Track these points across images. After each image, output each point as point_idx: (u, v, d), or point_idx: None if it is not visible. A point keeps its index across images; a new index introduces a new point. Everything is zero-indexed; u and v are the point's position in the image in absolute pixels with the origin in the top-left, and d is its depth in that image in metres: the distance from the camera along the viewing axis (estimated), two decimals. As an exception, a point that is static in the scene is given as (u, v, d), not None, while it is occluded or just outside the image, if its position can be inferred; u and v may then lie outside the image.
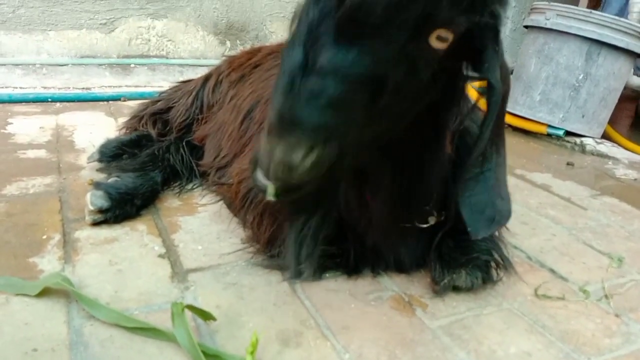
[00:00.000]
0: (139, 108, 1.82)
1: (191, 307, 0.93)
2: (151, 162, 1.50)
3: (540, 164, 2.12)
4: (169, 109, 1.77)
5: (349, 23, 0.68)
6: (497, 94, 0.85)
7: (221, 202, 1.43)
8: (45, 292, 1.00)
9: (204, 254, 1.19)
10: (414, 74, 0.75)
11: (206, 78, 1.74)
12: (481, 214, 0.96)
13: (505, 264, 1.18)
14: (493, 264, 1.15)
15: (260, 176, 0.75)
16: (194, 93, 1.71)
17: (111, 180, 1.36)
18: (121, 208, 1.31)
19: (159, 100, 1.80)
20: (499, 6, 0.78)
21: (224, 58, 1.84)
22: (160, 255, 1.17)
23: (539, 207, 1.63)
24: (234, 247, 1.21)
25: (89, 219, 1.27)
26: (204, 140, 1.59)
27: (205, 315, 0.94)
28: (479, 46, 0.80)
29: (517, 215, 1.55)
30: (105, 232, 1.26)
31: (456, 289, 1.10)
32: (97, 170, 1.57)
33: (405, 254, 1.14)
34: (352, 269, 1.13)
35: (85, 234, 1.24)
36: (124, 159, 1.56)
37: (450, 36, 0.73)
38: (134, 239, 1.24)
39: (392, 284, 1.13)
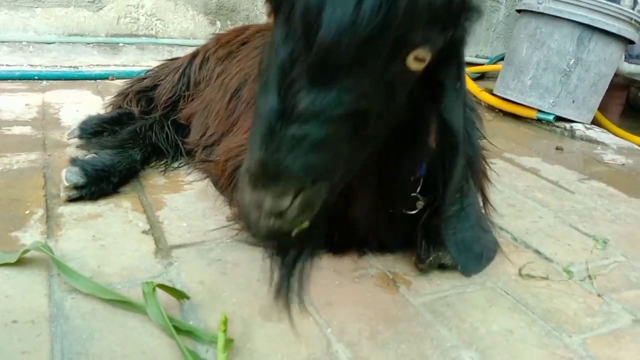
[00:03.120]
0: (125, 86, 1.80)
1: (163, 286, 0.92)
2: (131, 140, 1.49)
3: (530, 148, 2.12)
4: (155, 86, 1.75)
5: (321, 67, 0.64)
6: (458, 137, 0.81)
7: (207, 180, 1.42)
8: (26, 264, 1.00)
9: (188, 231, 1.18)
10: (394, 100, 0.73)
11: (193, 55, 1.72)
12: (469, 251, 0.95)
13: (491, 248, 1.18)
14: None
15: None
16: (180, 70, 1.69)
17: (88, 156, 1.34)
18: (97, 185, 1.29)
19: (145, 78, 1.78)
20: (468, 21, 0.75)
21: (211, 36, 1.82)
22: (144, 232, 1.16)
23: (526, 190, 1.63)
24: (219, 224, 1.20)
25: (64, 195, 1.26)
26: (190, 118, 1.58)
27: (179, 294, 0.93)
28: (440, 79, 0.78)
29: (504, 197, 1.55)
30: (89, 207, 1.25)
31: (442, 267, 1.11)
32: (77, 147, 1.55)
33: (391, 238, 1.14)
34: (337, 248, 1.12)
35: (69, 210, 1.23)
36: (104, 136, 1.54)
37: (428, 56, 0.70)
38: (118, 215, 1.23)
39: (377, 262, 1.13)
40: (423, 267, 1.08)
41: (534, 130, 2.46)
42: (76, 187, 1.25)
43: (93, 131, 1.56)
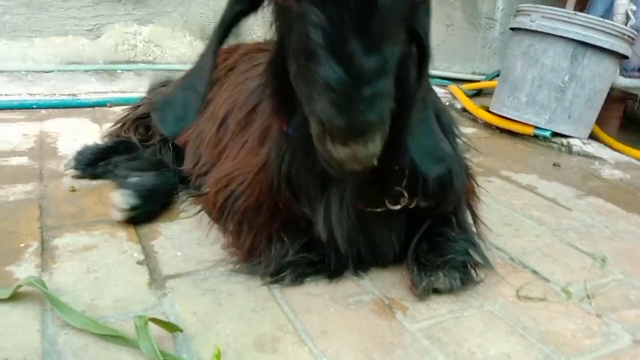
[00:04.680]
0: (122, 115, 1.81)
1: (156, 320, 0.91)
2: (160, 163, 1.53)
3: (527, 165, 2.12)
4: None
5: (369, 27, 0.75)
6: (427, 45, 0.93)
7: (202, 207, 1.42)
8: (19, 299, 0.99)
9: (183, 260, 1.18)
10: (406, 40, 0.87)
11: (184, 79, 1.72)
12: (431, 155, 0.99)
13: (485, 264, 1.18)
14: (471, 264, 1.15)
15: None
16: None
17: (134, 179, 1.39)
18: (148, 205, 1.34)
19: (140, 106, 1.79)
20: None
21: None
22: (139, 262, 1.16)
23: (523, 208, 1.63)
24: (214, 253, 1.20)
25: (120, 215, 1.29)
26: (186, 144, 1.58)
27: (172, 327, 0.92)
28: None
29: (501, 217, 1.55)
30: (84, 239, 1.24)
31: (436, 291, 1.10)
32: (73, 177, 1.57)
33: (381, 241, 1.14)
34: (333, 273, 1.12)
35: (64, 242, 1.22)
36: (99, 166, 1.57)
37: None
38: (114, 245, 1.23)
39: (373, 288, 1.12)
40: (417, 292, 1.08)
41: (531, 146, 2.46)
42: (131, 209, 1.29)
43: (88, 162, 1.57)
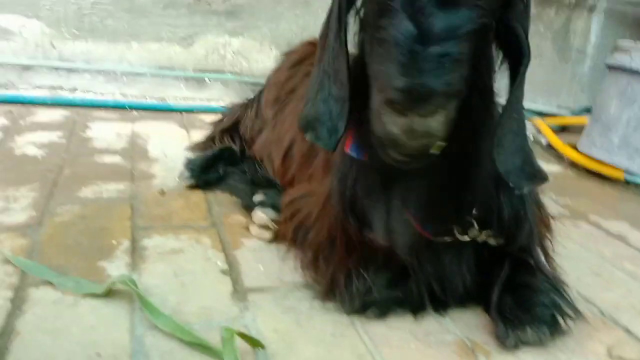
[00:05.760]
0: (210, 129, 1.88)
1: (241, 335, 0.92)
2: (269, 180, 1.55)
3: (617, 212, 2.01)
4: (236, 123, 1.80)
5: None
6: (525, 47, 0.89)
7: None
8: (111, 296, 1.03)
9: (264, 274, 1.19)
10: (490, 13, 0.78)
11: (260, 91, 1.75)
12: (522, 171, 0.91)
13: (576, 316, 1.11)
14: (560, 317, 1.08)
15: None
16: (255, 106, 1.73)
17: (262, 197, 1.40)
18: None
19: (224, 118, 1.85)
20: None
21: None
22: (223, 271, 1.18)
23: (614, 259, 1.54)
24: (294, 272, 1.20)
25: (268, 235, 1.33)
26: (261, 161, 1.61)
27: (255, 342, 0.93)
28: None
29: (590, 265, 1.46)
30: (171, 242, 1.28)
31: (524, 343, 1.04)
32: (188, 187, 1.61)
33: (451, 273, 1.08)
34: (416, 309, 1.09)
35: (153, 243, 1.27)
36: (210, 174, 1.62)
37: None
38: (198, 252, 1.26)
39: (455, 328, 1.08)
40: (505, 346, 1.02)
41: (622, 192, 2.33)
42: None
43: (201, 170, 1.63)
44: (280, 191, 1.44)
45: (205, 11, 2.89)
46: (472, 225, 1.04)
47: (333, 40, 0.91)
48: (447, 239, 1.04)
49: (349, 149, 1.03)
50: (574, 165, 2.54)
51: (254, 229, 1.36)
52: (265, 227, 1.33)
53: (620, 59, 2.41)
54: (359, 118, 0.96)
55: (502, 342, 1.03)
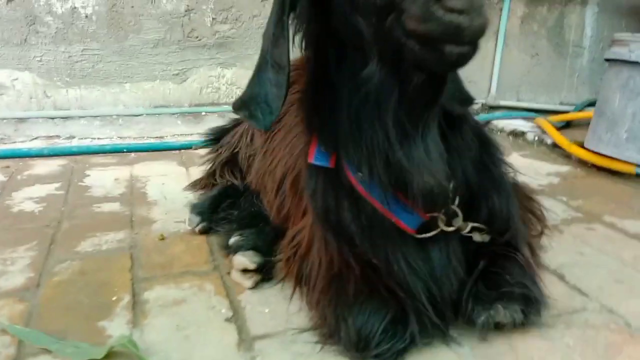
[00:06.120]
0: (209, 164, 1.84)
1: None
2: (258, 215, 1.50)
3: (632, 209, 1.94)
4: (235, 155, 1.76)
5: None
6: None
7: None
8: (111, 358, 0.99)
9: (270, 318, 1.14)
10: None
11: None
12: (453, 97, 1.00)
13: (541, 302, 1.09)
14: (532, 297, 1.07)
15: None
16: (250, 132, 1.70)
17: (240, 238, 1.34)
18: (269, 262, 1.30)
19: (222, 150, 1.81)
20: None
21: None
22: (227, 319, 1.14)
23: (635, 262, 1.47)
24: (301, 311, 1.15)
25: (249, 283, 1.26)
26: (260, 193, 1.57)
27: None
28: None
29: (610, 271, 1.40)
30: (173, 292, 1.24)
31: (498, 326, 1.02)
32: (199, 232, 1.56)
33: (442, 266, 1.05)
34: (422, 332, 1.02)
35: (154, 295, 1.23)
36: (220, 213, 1.57)
37: None
38: (202, 300, 1.21)
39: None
40: (478, 327, 1.02)
41: (635, 186, 2.26)
42: (256, 270, 1.27)
43: (210, 211, 1.58)
44: (266, 228, 1.40)
45: (196, 46, 2.89)
46: (457, 214, 1.03)
47: (273, 27, 0.95)
48: (433, 233, 1.02)
49: (313, 159, 1.03)
50: (582, 163, 2.48)
51: (235, 275, 1.29)
52: (246, 272, 1.27)
53: (619, 52, 2.36)
54: (321, 120, 1.01)
55: (475, 321, 1.02)
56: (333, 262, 1.07)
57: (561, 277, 1.33)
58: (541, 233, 1.43)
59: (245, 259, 1.26)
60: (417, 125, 0.90)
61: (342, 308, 1.01)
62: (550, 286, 1.19)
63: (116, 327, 1.10)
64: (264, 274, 1.28)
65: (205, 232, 1.55)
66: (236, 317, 1.15)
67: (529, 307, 1.05)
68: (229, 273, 1.32)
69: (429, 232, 1.03)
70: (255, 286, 1.27)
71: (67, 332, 1.08)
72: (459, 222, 1.04)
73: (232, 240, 1.35)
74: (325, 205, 1.06)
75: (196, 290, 1.25)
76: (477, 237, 1.08)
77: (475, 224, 1.07)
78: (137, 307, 1.18)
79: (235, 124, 1.85)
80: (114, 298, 1.21)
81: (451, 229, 1.03)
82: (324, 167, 1.04)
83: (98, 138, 2.73)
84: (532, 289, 1.08)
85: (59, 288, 1.26)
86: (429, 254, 1.05)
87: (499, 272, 1.08)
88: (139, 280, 1.29)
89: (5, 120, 2.65)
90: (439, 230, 1.03)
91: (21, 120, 2.66)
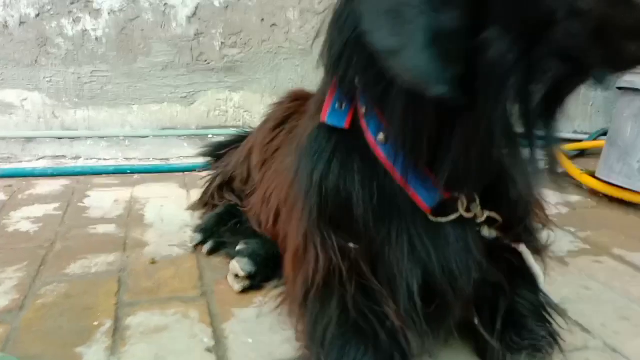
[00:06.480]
0: (205, 186, 1.82)
1: None
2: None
3: (643, 242, 1.87)
4: (232, 180, 1.74)
5: None
6: None
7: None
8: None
9: (252, 349, 1.10)
10: None
11: (250, 148, 1.67)
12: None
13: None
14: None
15: None
16: (246, 164, 1.67)
17: (243, 246, 1.38)
18: (264, 272, 1.33)
19: (217, 175, 1.79)
20: None
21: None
22: (208, 349, 1.09)
23: (643, 298, 1.40)
24: (286, 343, 1.10)
25: (238, 287, 1.31)
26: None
27: None
28: None
29: (616, 308, 1.33)
30: (156, 318, 1.21)
31: None
32: (208, 253, 1.54)
33: (459, 250, 0.93)
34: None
35: (137, 321, 1.19)
36: (222, 230, 1.57)
37: None
38: (185, 328, 1.17)
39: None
40: None
41: (647, 218, 2.19)
42: (248, 277, 1.30)
43: (212, 228, 1.59)
44: (265, 242, 1.40)
45: (204, 69, 2.90)
46: (475, 200, 0.92)
47: None
48: (453, 216, 0.91)
49: (327, 116, 0.89)
50: (593, 192, 2.41)
51: (229, 278, 1.35)
52: (237, 277, 1.31)
53: (631, 80, 2.31)
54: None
55: None
56: (317, 274, 0.98)
57: (563, 312, 1.26)
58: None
59: (237, 265, 1.29)
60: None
61: (321, 340, 0.95)
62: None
63: (93, 354, 1.06)
64: (254, 281, 1.31)
65: (213, 252, 1.54)
66: (217, 347, 1.11)
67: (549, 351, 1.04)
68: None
69: (444, 215, 0.91)
70: (243, 291, 1.31)
71: (43, 358, 1.05)
72: (476, 208, 0.92)
73: (238, 247, 1.39)
74: (324, 175, 0.91)
75: (180, 317, 1.21)
76: (485, 231, 0.97)
77: (492, 214, 0.94)
78: (117, 333, 1.14)
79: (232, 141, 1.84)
80: (95, 323, 1.18)
81: (470, 215, 0.92)
82: (336, 131, 0.90)
83: (104, 159, 2.73)
84: (551, 330, 1.07)
85: (41, 311, 1.23)
86: (446, 239, 0.92)
87: (519, 310, 1.05)
88: (124, 305, 1.26)
89: (13, 140, 2.67)
90: (458, 214, 0.91)
91: (29, 140, 2.68)
